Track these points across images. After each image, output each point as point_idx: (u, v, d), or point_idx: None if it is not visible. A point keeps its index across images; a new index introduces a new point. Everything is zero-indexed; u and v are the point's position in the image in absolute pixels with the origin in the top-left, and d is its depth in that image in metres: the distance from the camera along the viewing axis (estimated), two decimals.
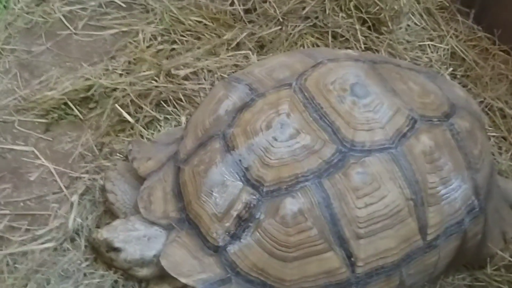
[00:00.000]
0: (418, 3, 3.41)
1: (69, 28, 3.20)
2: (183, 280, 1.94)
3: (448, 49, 3.22)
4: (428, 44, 3.22)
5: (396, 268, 2.00)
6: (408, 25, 3.33)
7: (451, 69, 3.13)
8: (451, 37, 3.28)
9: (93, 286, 2.16)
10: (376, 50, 3.09)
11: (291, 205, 1.89)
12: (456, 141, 2.14)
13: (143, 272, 2.08)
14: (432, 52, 3.18)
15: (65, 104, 2.81)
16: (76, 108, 2.80)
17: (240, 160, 1.98)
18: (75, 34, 3.18)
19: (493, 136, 2.88)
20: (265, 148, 1.96)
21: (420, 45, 3.22)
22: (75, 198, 2.42)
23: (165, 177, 2.16)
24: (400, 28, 3.24)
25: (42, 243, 2.30)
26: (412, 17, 3.38)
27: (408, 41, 3.22)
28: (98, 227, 2.34)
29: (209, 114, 2.17)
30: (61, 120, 2.79)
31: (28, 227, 2.38)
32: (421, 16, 3.39)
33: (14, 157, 2.64)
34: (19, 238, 2.33)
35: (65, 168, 2.59)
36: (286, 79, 2.14)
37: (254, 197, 1.94)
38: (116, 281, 2.17)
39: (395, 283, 2.03)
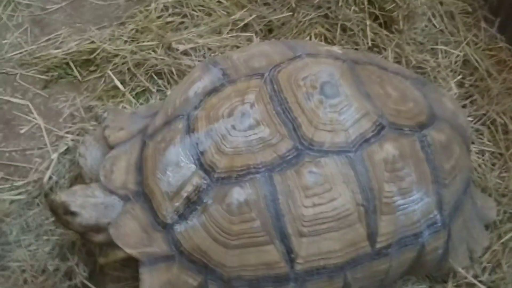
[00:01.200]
0: (441, 4, 3.30)
1: None
2: (128, 250, 1.99)
3: (461, 56, 3.10)
4: (441, 49, 3.11)
5: (340, 271, 1.99)
6: (426, 26, 3.23)
7: (459, 77, 3.02)
8: (468, 44, 3.16)
9: (52, 242, 2.27)
10: (383, 48, 3.02)
11: (238, 194, 1.91)
12: (425, 153, 2.09)
13: (98, 238, 2.13)
14: (443, 57, 3.08)
15: (67, 64, 2.92)
16: (76, 69, 2.91)
17: (197, 144, 2.00)
18: None
19: (489, 151, 2.79)
20: (222, 135, 1.98)
21: (432, 49, 3.11)
22: (54, 156, 2.52)
23: (131, 149, 2.21)
24: (415, 28, 3.14)
25: (17, 194, 2.41)
26: (432, 19, 3.27)
27: (420, 43, 3.12)
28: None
29: (180, 94, 2.19)
30: (61, 79, 2.89)
31: (7, 177, 2.50)
32: (442, 18, 3.27)
33: (10, 108, 2.76)
34: None
35: (54, 126, 2.70)
36: (261, 69, 2.14)
37: (205, 181, 1.96)
38: (74, 242, 2.26)
39: (338, 284, 2.02)
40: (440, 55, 3.09)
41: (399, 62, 2.98)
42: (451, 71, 3.05)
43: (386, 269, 2.09)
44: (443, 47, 3.11)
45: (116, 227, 2.04)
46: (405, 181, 2.02)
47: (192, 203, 1.98)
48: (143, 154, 2.16)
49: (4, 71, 2.87)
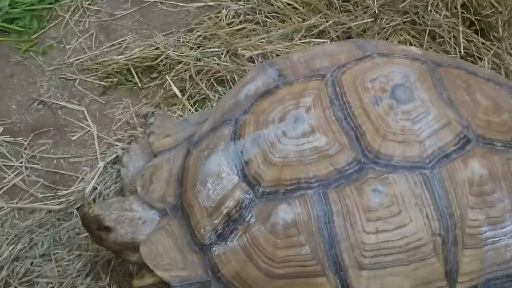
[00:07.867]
0: None
1: None
2: (159, 273, 1.74)
3: None
4: None
5: None
6: None
7: None
8: None
9: (85, 258, 2.06)
10: (478, 57, 2.65)
11: (284, 213, 1.61)
12: None
13: (135, 258, 1.88)
14: None
15: (128, 70, 2.80)
16: (137, 75, 2.78)
17: (241, 152, 1.73)
18: (161, 3, 3.13)
19: None
20: (271, 143, 1.69)
21: None
22: (101, 165, 2.33)
23: (174, 157, 1.97)
24: None
25: (58, 204, 2.25)
26: None
27: None
28: None
29: (231, 97, 1.94)
30: (120, 86, 2.77)
31: (51, 185, 2.35)
32: None
33: (65, 114, 2.65)
34: (40, 195, 2.30)
35: (107, 134, 2.55)
36: (322, 70, 1.84)
37: (248, 196, 1.68)
38: (109, 261, 2.04)
39: None
40: None
41: None
42: None
43: None
44: None
45: (148, 245, 1.80)
46: (496, 208, 1.66)
47: (233, 221, 1.70)
48: (186, 163, 1.91)
49: (63, 76, 2.76)
